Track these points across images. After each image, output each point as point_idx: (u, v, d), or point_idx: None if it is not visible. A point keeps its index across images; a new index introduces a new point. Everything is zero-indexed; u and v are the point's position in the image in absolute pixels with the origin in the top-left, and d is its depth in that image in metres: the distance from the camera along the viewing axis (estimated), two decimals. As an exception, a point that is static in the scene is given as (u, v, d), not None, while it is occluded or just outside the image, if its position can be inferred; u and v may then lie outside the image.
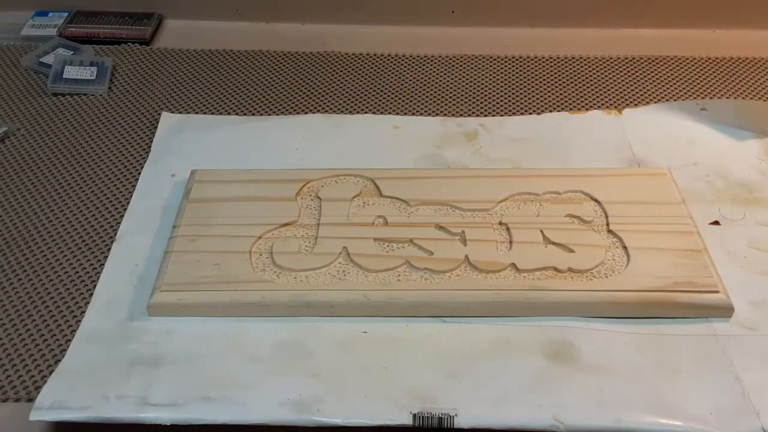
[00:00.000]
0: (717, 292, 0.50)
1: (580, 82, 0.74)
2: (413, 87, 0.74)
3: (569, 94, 0.73)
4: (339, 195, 0.57)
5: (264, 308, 0.50)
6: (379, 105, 0.71)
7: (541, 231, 0.54)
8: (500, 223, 0.55)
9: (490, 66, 0.76)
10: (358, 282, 0.51)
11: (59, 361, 0.48)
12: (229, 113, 0.70)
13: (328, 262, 0.52)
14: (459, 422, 0.44)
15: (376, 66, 0.77)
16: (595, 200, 0.56)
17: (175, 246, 0.53)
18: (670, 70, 0.75)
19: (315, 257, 0.53)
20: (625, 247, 0.53)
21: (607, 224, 0.55)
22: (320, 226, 0.55)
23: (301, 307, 0.50)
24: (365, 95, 0.73)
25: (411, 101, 0.72)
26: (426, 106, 0.71)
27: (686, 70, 0.75)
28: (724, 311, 0.50)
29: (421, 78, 0.75)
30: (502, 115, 0.70)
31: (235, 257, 0.53)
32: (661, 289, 0.50)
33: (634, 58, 0.77)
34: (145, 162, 0.64)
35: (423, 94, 0.73)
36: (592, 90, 0.73)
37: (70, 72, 0.73)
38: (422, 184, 0.58)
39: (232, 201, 0.57)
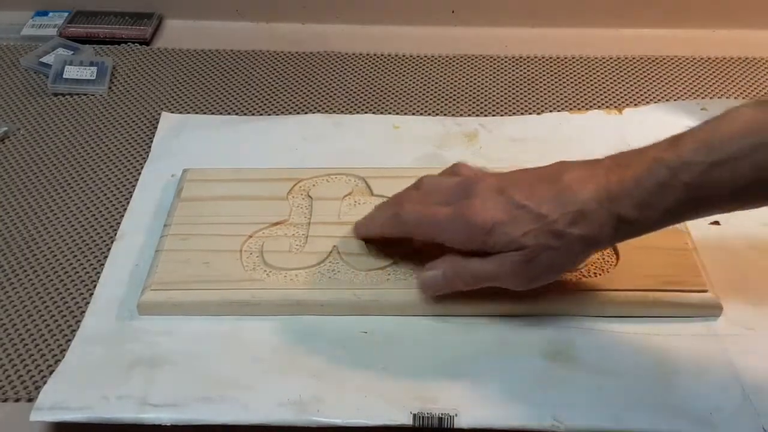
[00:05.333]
0: (705, 291, 0.50)
1: (580, 82, 0.74)
2: (413, 87, 0.74)
3: (569, 94, 0.73)
4: (330, 194, 0.57)
5: (254, 307, 0.50)
6: (379, 105, 0.71)
7: None
8: None
9: (490, 66, 0.76)
10: (348, 281, 0.51)
11: (59, 361, 0.48)
12: (229, 113, 0.70)
13: (319, 261, 0.52)
14: (459, 422, 0.44)
15: (376, 66, 0.77)
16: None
17: (166, 245, 0.53)
18: (670, 70, 0.75)
19: (305, 256, 0.53)
20: (614, 246, 0.53)
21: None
22: (311, 225, 0.55)
23: (291, 306, 0.50)
24: (365, 95, 0.73)
25: (411, 101, 0.72)
26: (426, 106, 0.71)
27: (686, 70, 0.75)
28: (713, 310, 0.50)
29: (421, 78, 0.75)
30: (501, 115, 0.70)
31: (225, 256, 0.53)
32: (650, 288, 0.50)
33: (634, 58, 0.77)
34: (145, 162, 0.64)
35: (423, 94, 0.73)
36: (592, 90, 0.73)
37: (70, 72, 0.73)
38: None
39: (223, 200, 0.57)
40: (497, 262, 0.45)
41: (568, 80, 0.74)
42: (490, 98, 0.72)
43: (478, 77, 0.75)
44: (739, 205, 0.44)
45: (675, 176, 0.41)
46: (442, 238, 0.47)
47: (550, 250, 0.44)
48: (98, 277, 0.54)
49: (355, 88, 0.74)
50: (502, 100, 0.72)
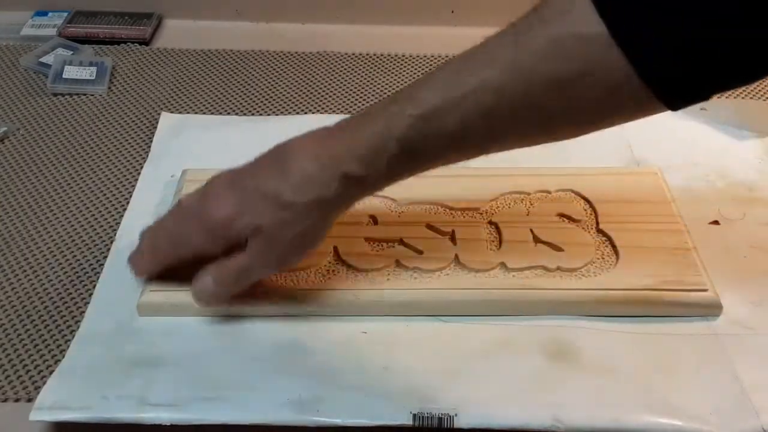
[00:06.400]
0: (705, 290, 0.50)
1: (579, 82, 0.74)
2: (413, 87, 0.74)
3: (569, 94, 0.72)
4: None
5: (253, 308, 0.50)
6: (378, 105, 0.71)
7: (531, 230, 0.54)
8: (490, 222, 0.55)
9: (490, 66, 0.76)
10: (347, 281, 0.51)
11: (59, 361, 0.48)
12: (229, 113, 0.70)
13: (318, 262, 0.52)
14: (459, 422, 0.44)
15: (376, 66, 0.77)
16: (585, 199, 0.56)
17: None
18: (670, 69, 0.75)
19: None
20: (614, 246, 0.53)
21: (597, 223, 0.55)
22: None
23: (291, 306, 0.50)
24: (365, 95, 0.73)
25: (411, 101, 0.72)
26: (426, 106, 0.71)
27: (686, 69, 0.75)
28: (713, 309, 0.50)
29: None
30: (501, 115, 0.70)
31: None
32: (649, 288, 0.50)
33: (633, 58, 0.77)
34: (144, 162, 0.64)
35: (423, 94, 0.73)
36: (592, 90, 0.73)
37: (70, 72, 0.73)
38: (412, 183, 0.57)
39: None
40: (247, 253, 0.45)
41: (567, 80, 0.74)
42: (489, 98, 0.72)
43: (478, 77, 0.75)
44: (459, 156, 0.44)
45: (389, 131, 0.42)
46: (195, 250, 0.46)
47: (286, 225, 0.44)
48: (98, 277, 0.54)
49: (355, 88, 0.74)
50: (502, 100, 0.72)
